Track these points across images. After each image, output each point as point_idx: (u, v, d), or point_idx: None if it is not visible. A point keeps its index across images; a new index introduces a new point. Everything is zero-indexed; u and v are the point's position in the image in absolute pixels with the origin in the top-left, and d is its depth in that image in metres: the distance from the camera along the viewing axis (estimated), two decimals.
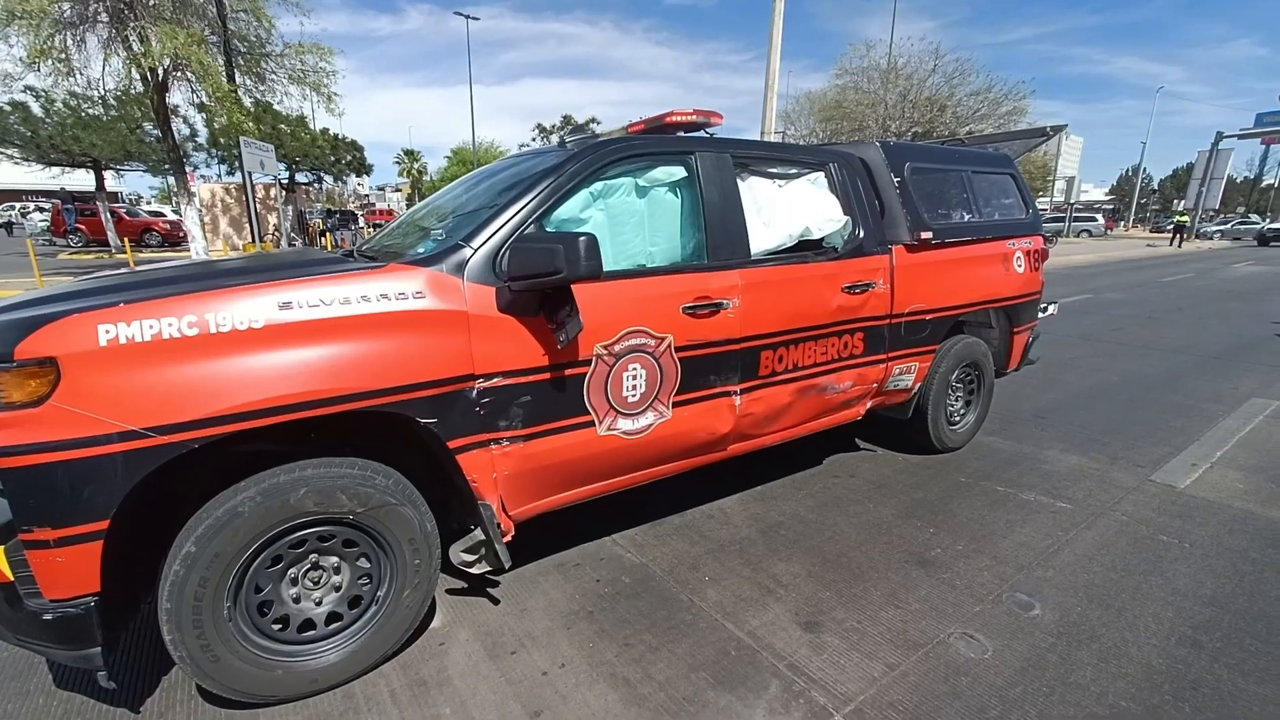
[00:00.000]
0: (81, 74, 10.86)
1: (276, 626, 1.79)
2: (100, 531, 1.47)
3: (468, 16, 35.21)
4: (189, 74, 10.78)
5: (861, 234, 3.02)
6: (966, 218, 3.57)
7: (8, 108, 15.87)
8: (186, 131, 16.98)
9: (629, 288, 2.26)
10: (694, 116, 2.72)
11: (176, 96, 12.40)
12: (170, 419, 1.49)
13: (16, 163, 17.30)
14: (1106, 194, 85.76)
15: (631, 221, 2.45)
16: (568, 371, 2.13)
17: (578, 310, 1.98)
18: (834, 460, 3.72)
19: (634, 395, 2.30)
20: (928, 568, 2.55)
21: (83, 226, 20.81)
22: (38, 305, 1.55)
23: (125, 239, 14.27)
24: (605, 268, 2.31)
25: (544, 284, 1.91)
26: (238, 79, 12.22)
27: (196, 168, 20.48)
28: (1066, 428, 4.28)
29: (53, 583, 1.48)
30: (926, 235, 3.20)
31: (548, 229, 2.22)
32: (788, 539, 2.79)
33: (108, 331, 1.47)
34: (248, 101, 12.69)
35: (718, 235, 2.52)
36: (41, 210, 24.93)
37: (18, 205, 31.72)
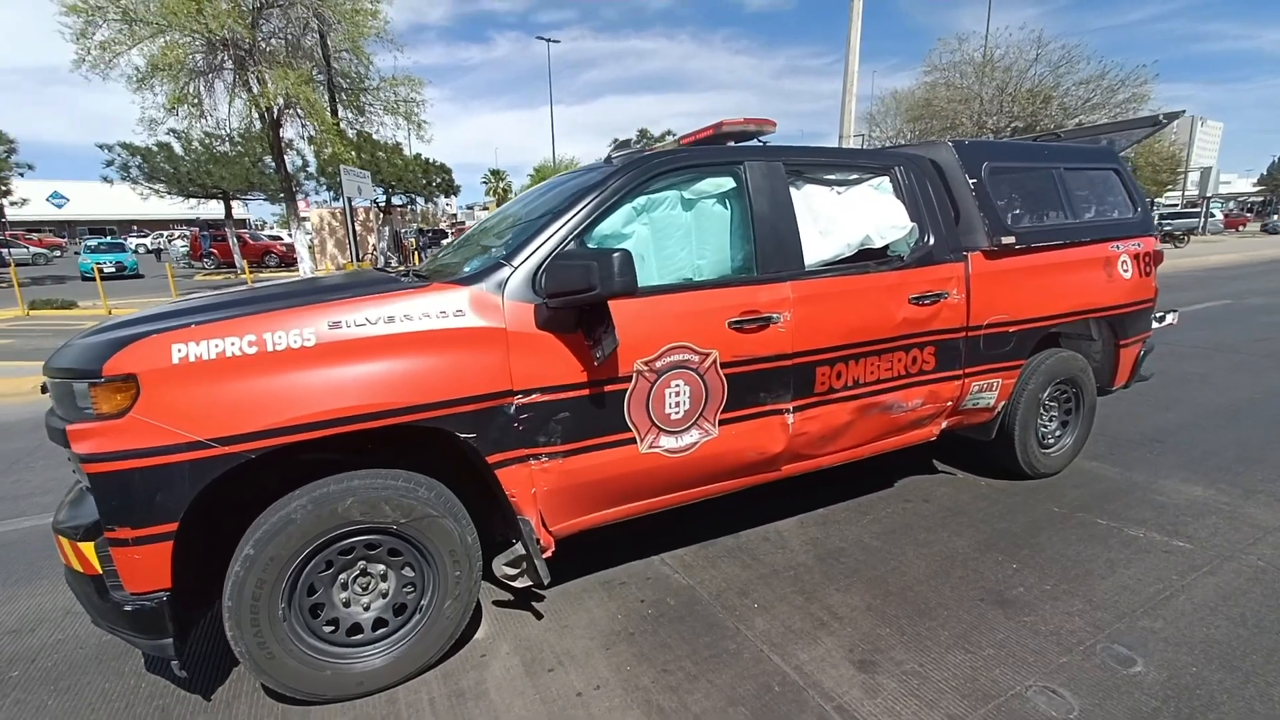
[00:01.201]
0: (211, 116, 12.29)
1: (327, 629, 1.88)
2: (171, 533, 1.60)
3: (549, 40, 36.75)
4: (298, 110, 11.90)
5: (931, 241, 2.81)
6: (1058, 219, 3.24)
7: (156, 149, 18.22)
8: (299, 163, 18.80)
9: (671, 303, 2.21)
10: (745, 125, 2.64)
11: (290, 131, 13.76)
12: (230, 431, 1.61)
13: (161, 196, 19.84)
14: (1255, 184, 74.90)
15: (677, 235, 2.41)
16: (607, 388, 2.11)
17: (614, 327, 1.96)
18: (906, 483, 3.46)
19: (677, 413, 2.25)
20: (1007, 608, 2.30)
21: (215, 251, 23.47)
22: (128, 326, 1.73)
23: (248, 261, 15.94)
24: (651, 282, 2.31)
25: (579, 301, 1.90)
26: (340, 112, 13.37)
27: (307, 195, 22.55)
28: (1190, 454, 3.76)
29: (131, 577, 1.63)
30: (1008, 240, 2.93)
31: (590, 245, 2.22)
32: (847, 568, 2.61)
33: (179, 351, 1.61)
34: (351, 133, 13.86)
35: (767, 247, 2.42)
36: (183, 238, 28.33)
37: (165, 234, 36.34)
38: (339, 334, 1.75)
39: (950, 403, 2.99)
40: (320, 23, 11.83)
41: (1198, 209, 35.33)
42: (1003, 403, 3.19)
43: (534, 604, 2.42)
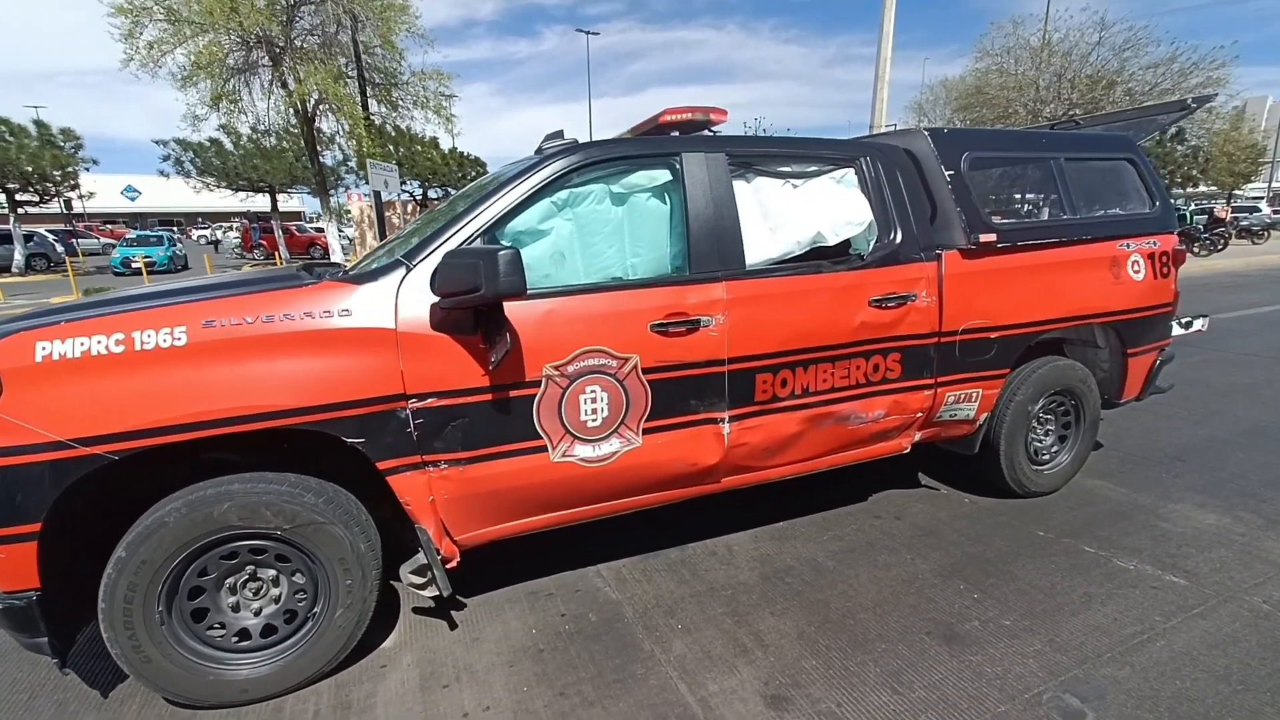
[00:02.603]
0: (249, 112, 12.74)
1: (213, 633, 1.85)
2: (34, 533, 1.59)
3: (588, 32, 36.64)
4: (331, 106, 12.20)
5: (897, 238, 2.58)
6: (1055, 214, 2.95)
7: (208, 144, 19.09)
8: (340, 157, 19.35)
9: (584, 304, 2.08)
10: (692, 115, 2.48)
11: (327, 126, 14.15)
12: (91, 431, 1.58)
13: (211, 190, 20.81)
14: None
15: (604, 231, 2.27)
16: (513, 393, 2.00)
17: (506, 329, 1.86)
18: (881, 498, 3.24)
19: (594, 420, 2.12)
20: (953, 645, 2.09)
21: (264, 242, 24.47)
22: (16, 322, 1.72)
23: (294, 253, 16.53)
24: (577, 281, 2.19)
25: (467, 301, 1.80)
26: (374, 107, 13.65)
27: (348, 188, 23.23)
28: (1213, 475, 3.39)
29: (4, 576, 1.62)
30: (987, 238, 2.67)
31: (504, 242, 2.12)
32: (791, 589, 2.44)
33: (44, 349, 1.59)
34: (389, 128, 14.17)
35: (701, 244, 2.26)
36: (235, 230, 29.70)
37: (223, 226, 38.24)
38: (212, 333, 1.70)
39: (920, 414, 2.75)
40: (351, 20, 12.08)
41: None
42: (985, 415, 2.93)
43: (453, 613, 2.34)
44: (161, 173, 20.55)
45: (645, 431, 2.21)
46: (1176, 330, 3.54)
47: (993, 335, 2.78)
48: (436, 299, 1.87)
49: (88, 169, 19.79)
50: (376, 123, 13.85)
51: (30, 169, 17.53)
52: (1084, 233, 2.96)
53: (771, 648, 2.10)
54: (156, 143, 20.08)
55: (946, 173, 2.68)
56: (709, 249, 2.26)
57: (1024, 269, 2.81)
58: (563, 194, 2.18)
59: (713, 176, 2.32)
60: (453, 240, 1.98)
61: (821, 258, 2.53)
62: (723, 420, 2.33)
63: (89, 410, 1.59)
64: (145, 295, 1.88)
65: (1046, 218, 2.91)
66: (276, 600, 1.92)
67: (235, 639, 1.87)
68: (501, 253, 1.72)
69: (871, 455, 2.79)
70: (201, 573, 1.80)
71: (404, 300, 1.88)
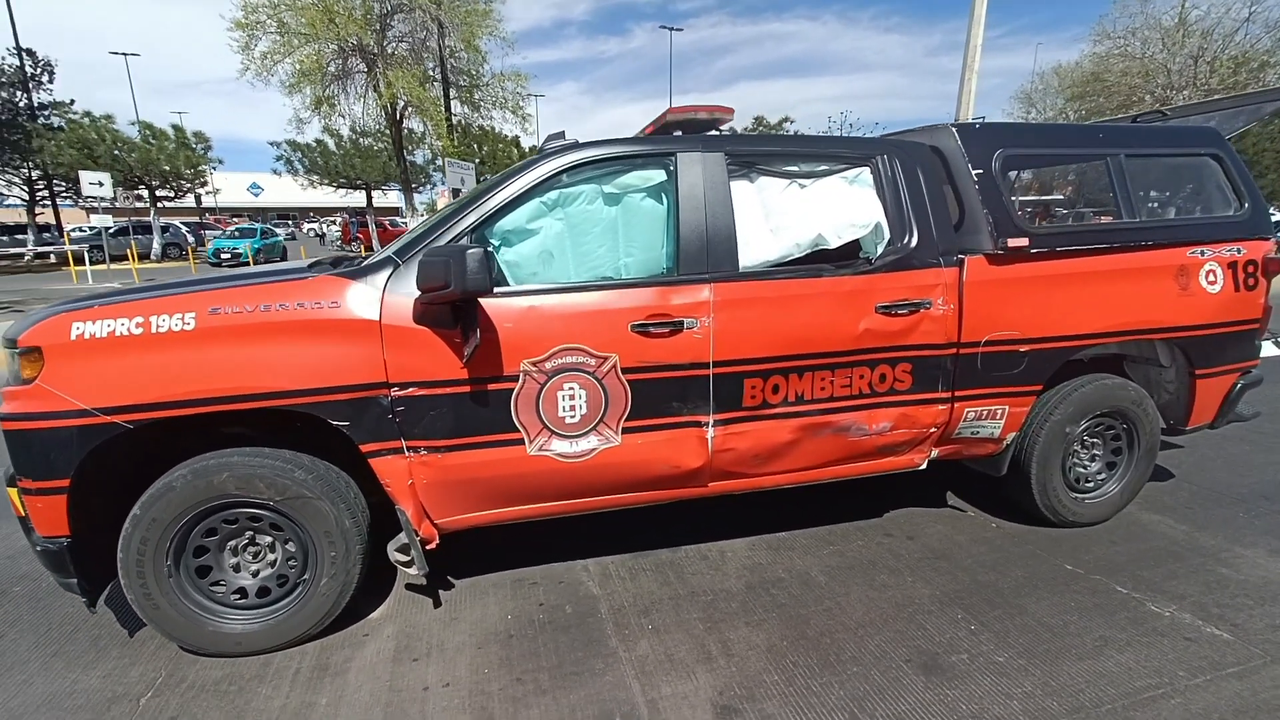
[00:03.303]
0: (346, 116, 13.78)
1: (215, 589, 2.06)
2: (64, 488, 1.83)
3: (671, 28, 36.68)
4: (415, 109, 12.98)
5: (912, 241, 2.44)
6: (1107, 217, 2.67)
7: (314, 144, 20.85)
8: (430, 155, 20.53)
9: (563, 302, 2.12)
10: (695, 113, 2.46)
11: (419, 126, 15.06)
12: (112, 402, 1.80)
13: (315, 186, 22.71)
14: None
15: (595, 231, 2.30)
16: (491, 386, 2.08)
17: (477, 325, 1.93)
18: (898, 515, 3.07)
19: (572, 417, 2.16)
20: (932, 675, 1.96)
21: (360, 236, 26.36)
22: (65, 304, 1.99)
23: (385, 245, 17.75)
24: (567, 280, 2.24)
25: (439, 297, 1.88)
26: (457, 108, 14.38)
27: (434, 185, 24.59)
28: None
29: (38, 522, 1.88)
30: (1018, 242, 2.46)
31: (493, 241, 2.20)
32: (774, 601, 2.37)
33: (78, 328, 1.83)
34: (474, 128, 14.90)
35: (690, 245, 2.24)
36: (335, 224, 32.20)
37: (328, 220, 41.63)
38: (218, 319, 1.88)
39: (934, 429, 2.58)
40: (438, 26, 12.76)
41: None
42: (1012, 434, 2.71)
43: (441, 592, 2.46)
44: (275, 171, 22.73)
45: (625, 431, 2.22)
46: (1270, 350, 3.11)
47: (1022, 348, 2.56)
48: (419, 294, 1.97)
49: (214, 168, 22.14)
50: (460, 123, 14.58)
51: (168, 168, 19.86)
52: (1143, 238, 2.66)
53: (737, 658, 2.06)
54: (271, 144, 22.23)
55: (974, 172, 2.49)
56: (698, 250, 2.24)
57: (1064, 277, 2.56)
58: (553, 194, 2.23)
59: (708, 177, 2.28)
60: (442, 239, 2.08)
61: (831, 261, 2.44)
62: (707, 424, 2.30)
63: (110, 383, 1.81)
64: (174, 285, 2.11)
65: (1099, 220, 2.63)
66: (272, 565, 2.10)
67: (234, 596, 2.07)
68: (469, 251, 1.79)
69: (879, 470, 2.65)
70: (206, 534, 2.00)
71: (390, 295, 2.00)
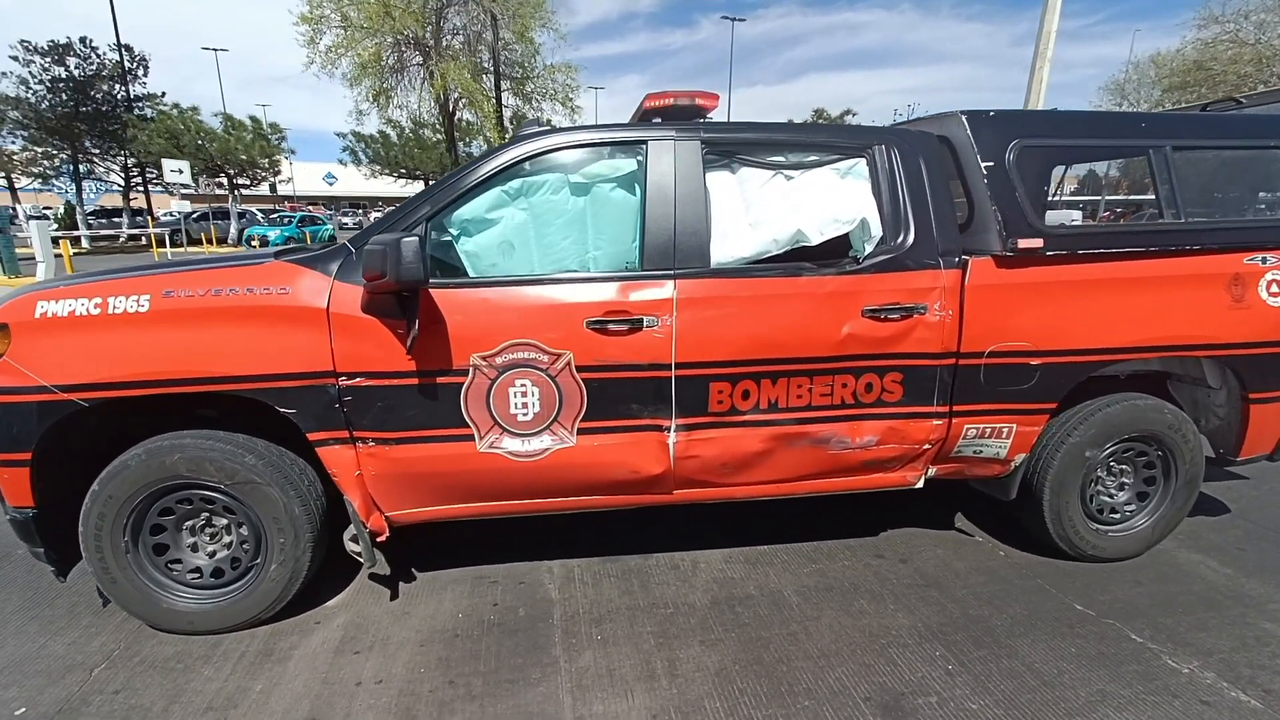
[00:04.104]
0: (404, 108, 14.20)
1: (172, 568, 2.10)
2: (26, 460, 1.90)
3: (734, 19, 35.99)
4: (465, 101, 13.24)
5: (907, 241, 2.22)
6: (1151, 215, 2.36)
7: (377, 135, 21.69)
8: (484, 146, 20.97)
9: (514, 296, 2.04)
10: (674, 100, 2.32)
11: (473, 117, 15.37)
12: (68, 380, 1.86)
13: (377, 177, 23.64)
14: None
15: (558, 222, 2.21)
16: (440, 380, 2.03)
17: (417, 315, 1.88)
18: (896, 535, 2.85)
19: (525, 414, 2.09)
20: (890, 716, 1.78)
21: None
22: (42, 285, 2.07)
23: None
24: (528, 271, 2.17)
25: (378, 286, 1.84)
26: (509, 100, 14.58)
27: None
28: None
29: (7, 493, 1.97)
30: (1030, 243, 2.20)
31: (451, 230, 2.14)
32: (735, 620, 2.23)
33: (42, 307, 1.89)
34: (528, 119, 15.17)
35: (656, 239, 2.11)
36: None
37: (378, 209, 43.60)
38: (170, 302, 1.91)
39: (928, 446, 2.36)
40: (491, 19, 12.94)
41: None
42: (1021, 456, 2.45)
43: (401, 584, 2.45)
44: (340, 161, 23.82)
45: (580, 431, 2.13)
46: None
47: (1033, 361, 2.30)
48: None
49: (288, 157, 23.38)
50: (515, 114, 14.78)
51: (244, 157, 21.13)
52: (1190, 241, 2.33)
53: (681, 679, 1.94)
54: (338, 135, 23.31)
55: (983, 164, 2.25)
56: (663, 244, 2.11)
57: (1088, 283, 2.28)
58: (515, 183, 2.15)
59: (679, 166, 2.15)
60: (398, 227, 2.04)
61: (820, 259, 2.26)
62: (668, 429, 2.17)
63: (68, 362, 1.86)
64: (142, 267, 2.16)
65: (1132, 221, 2.32)
66: (227, 547, 2.13)
67: (191, 575, 2.11)
68: (404, 240, 1.74)
69: (867, 486, 2.45)
70: (162, 513, 2.05)
71: (339, 283, 1.97)
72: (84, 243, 18.62)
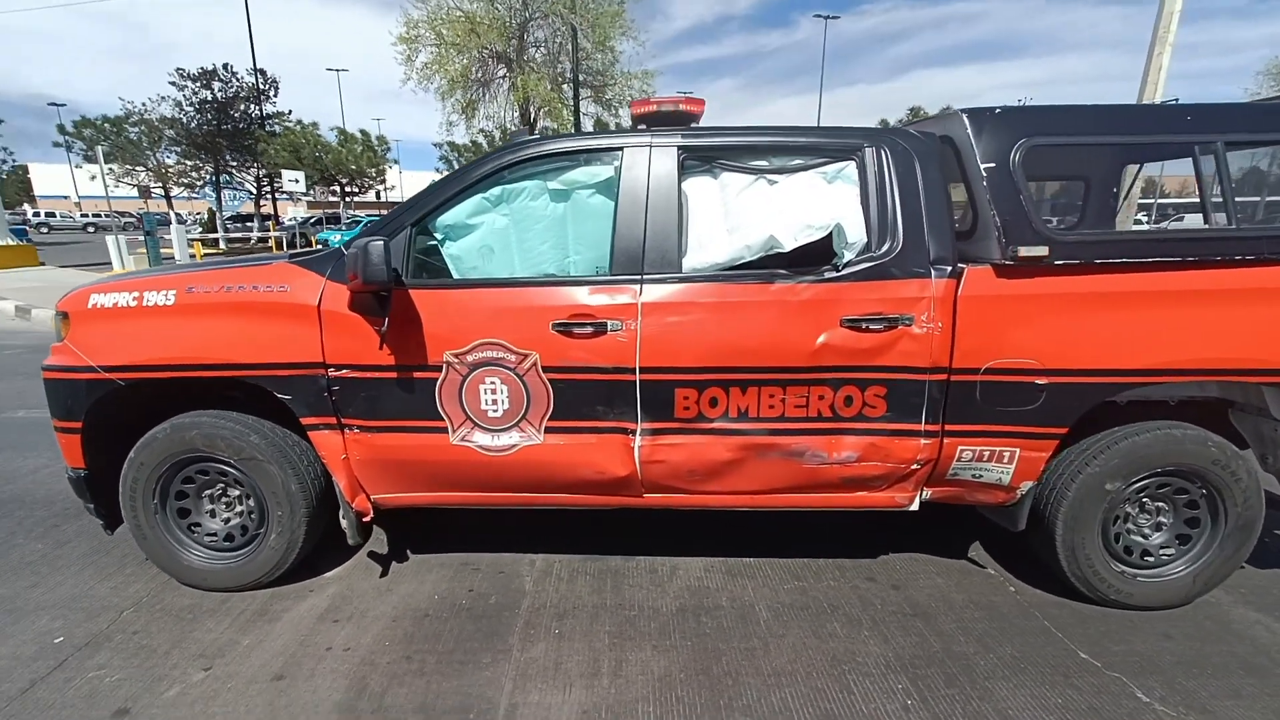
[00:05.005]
0: (491, 119, 15.00)
1: (193, 529, 2.38)
2: (78, 429, 2.23)
3: (826, 16, 34.93)
4: (543, 111, 13.79)
5: (896, 247, 2.11)
6: (1181, 221, 2.09)
7: (470, 145, 23.01)
8: None
9: (484, 297, 2.15)
10: (658, 107, 2.34)
11: (552, 125, 15.99)
12: (108, 361, 2.16)
13: None
14: None
15: (537, 228, 2.29)
16: (417, 374, 2.16)
17: (386, 314, 2.03)
18: (896, 559, 2.68)
19: (495, 411, 2.18)
20: None
21: None
22: (101, 280, 2.42)
23: None
24: (512, 274, 2.29)
25: (353, 287, 2.01)
26: (591, 108, 15.01)
27: None
28: None
29: (66, 456, 2.31)
30: (1032, 251, 2.02)
31: (436, 234, 2.28)
32: (697, 629, 2.20)
33: (94, 300, 2.21)
34: (610, 126, 15.55)
35: (625, 244, 2.15)
36: None
37: None
38: (192, 297, 2.17)
39: (916, 466, 2.22)
40: (571, 31, 13.40)
41: None
42: (1028, 483, 2.24)
43: (394, 563, 2.63)
44: (437, 169, 25.50)
45: (548, 430, 2.20)
46: None
47: (1039, 380, 2.11)
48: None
49: (392, 167, 25.33)
50: (593, 121, 15.20)
51: (354, 167, 23.17)
52: (1240, 250, 2.05)
53: (623, 680, 1.95)
54: (435, 145, 25.00)
55: (983, 166, 2.09)
56: (633, 249, 2.14)
57: (1107, 295, 2.06)
58: (496, 190, 2.26)
59: (654, 172, 2.17)
60: (386, 230, 2.20)
61: (804, 266, 2.19)
62: (633, 432, 2.19)
63: (109, 346, 2.18)
64: (183, 266, 2.47)
65: (1167, 228, 2.07)
66: (239, 515, 2.38)
67: (208, 538, 2.38)
68: (370, 244, 1.89)
69: (851, 505, 2.34)
70: (185, 481, 2.33)
71: (330, 283, 2.16)
72: (221, 244, 21.11)
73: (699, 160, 2.23)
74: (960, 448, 2.20)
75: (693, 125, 2.40)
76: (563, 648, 2.10)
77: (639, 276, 2.12)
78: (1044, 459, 2.20)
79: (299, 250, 2.71)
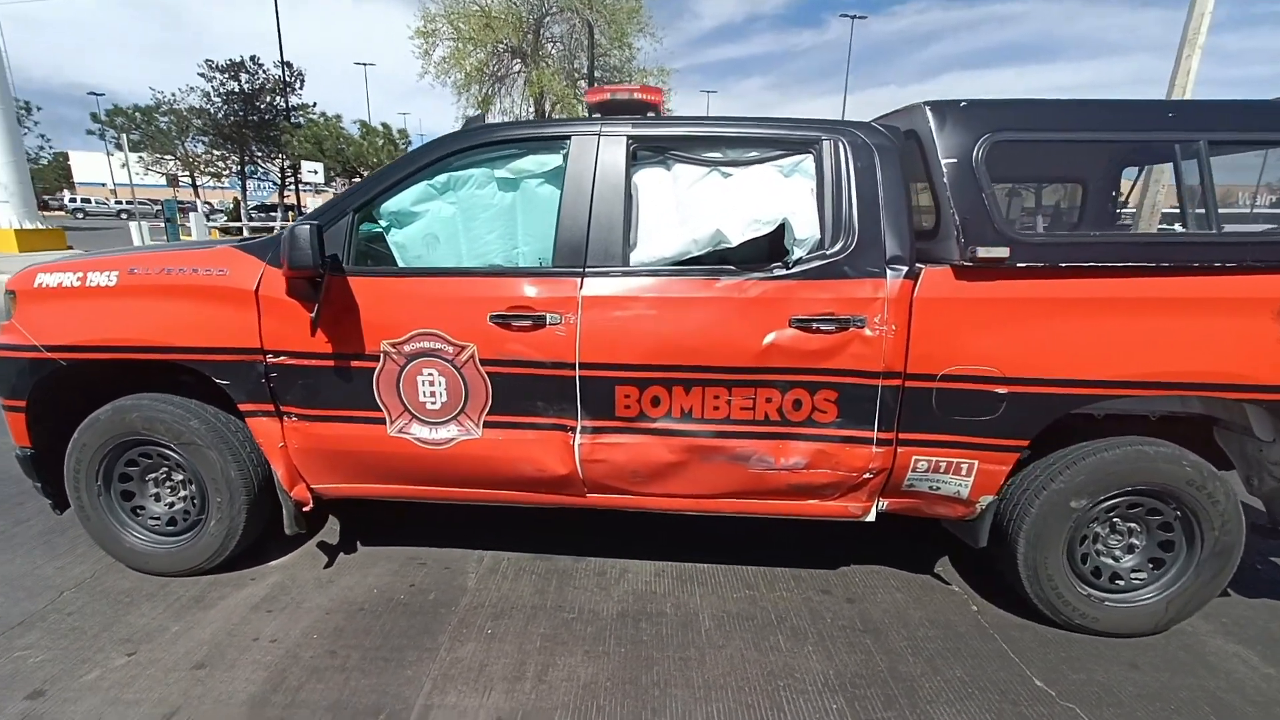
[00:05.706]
0: (508, 114, 15.03)
1: (136, 513, 2.37)
2: (22, 407, 2.23)
3: (853, 16, 34.41)
4: (554, 104, 13.77)
5: (850, 244, 2.01)
6: (1182, 224, 1.96)
7: None
8: None
9: (422, 286, 2.10)
10: (611, 95, 2.28)
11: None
12: (51, 341, 2.16)
13: None
14: None
15: (483, 216, 2.24)
16: (354, 363, 2.12)
17: (318, 300, 1.99)
18: (856, 571, 2.58)
19: (433, 403, 2.13)
20: None
21: None
22: (50, 260, 2.42)
23: None
24: (458, 263, 2.24)
25: (285, 273, 1.97)
26: None
27: None
28: None
29: (13, 434, 2.32)
30: (992, 253, 1.91)
31: (381, 221, 2.24)
32: (634, 635, 2.13)
33: (40, 280, 2.21)
34: None
35: (567, 235, 2.08)
36: None
37: None
38: (133, 278, 2.16)
39: (868, 475, 2.12)
40: (587, 26, 13.36)
41: None
42: (987, 497, 2.13)
43: (342, 554, 2.59)
44: None
45: (486, 425, 2.14)
46: None
47: (999, 390, 1.99)
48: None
49: None
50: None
51: (374, 160, 23.41)
52: (1220, 256, 1.91)
53: (545, 685, 1.89)
54: None
55: (944, 161, 1.98)
56: (575, 241, 2.07)
57: (1073, 301, 1.94)
58: (442, 177, 2.20)
59: (602, 162, 2.10)
60: (327, 215, 2.16)
61: (763, 262, 2.10)
62: (573, 429, 2.12)
63: (52, 326, 2.17)
64: (129, 249, 2.46)
65: (1153, 230, 1.94)
66: (183, 500, 2.37)
67: (151, 521, 2.37)
68: (296, 229, 1.85)
69: (803, 513, 2.25)
70: (128, 464, 2.32)
71: (269, 268, 2.13)
72: (245, 232, 21.53)
73: (651, 151, 2.16)
74: (915, 457, 2.09)
75: (649, 115, 2.32)
76: (492, 649, 2.04)
77: (581, 269, 2.05)
78: (1004, 472, 2.08)
79: (245, 237, 2.69)
